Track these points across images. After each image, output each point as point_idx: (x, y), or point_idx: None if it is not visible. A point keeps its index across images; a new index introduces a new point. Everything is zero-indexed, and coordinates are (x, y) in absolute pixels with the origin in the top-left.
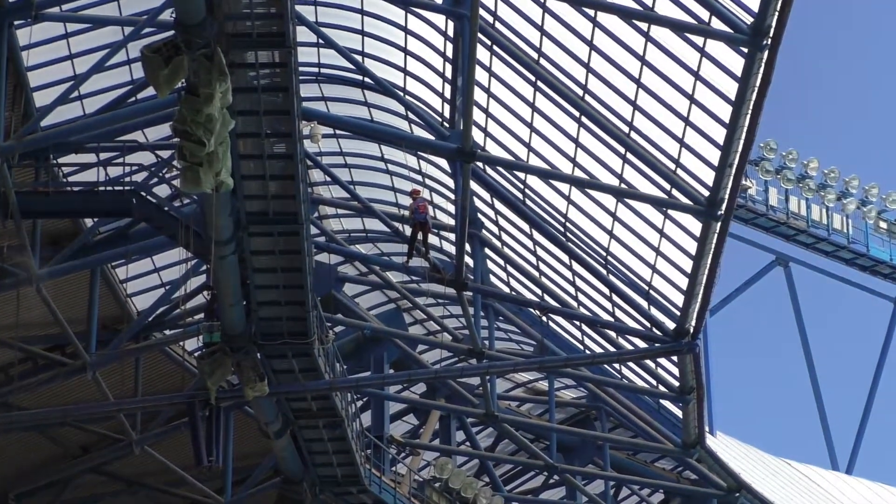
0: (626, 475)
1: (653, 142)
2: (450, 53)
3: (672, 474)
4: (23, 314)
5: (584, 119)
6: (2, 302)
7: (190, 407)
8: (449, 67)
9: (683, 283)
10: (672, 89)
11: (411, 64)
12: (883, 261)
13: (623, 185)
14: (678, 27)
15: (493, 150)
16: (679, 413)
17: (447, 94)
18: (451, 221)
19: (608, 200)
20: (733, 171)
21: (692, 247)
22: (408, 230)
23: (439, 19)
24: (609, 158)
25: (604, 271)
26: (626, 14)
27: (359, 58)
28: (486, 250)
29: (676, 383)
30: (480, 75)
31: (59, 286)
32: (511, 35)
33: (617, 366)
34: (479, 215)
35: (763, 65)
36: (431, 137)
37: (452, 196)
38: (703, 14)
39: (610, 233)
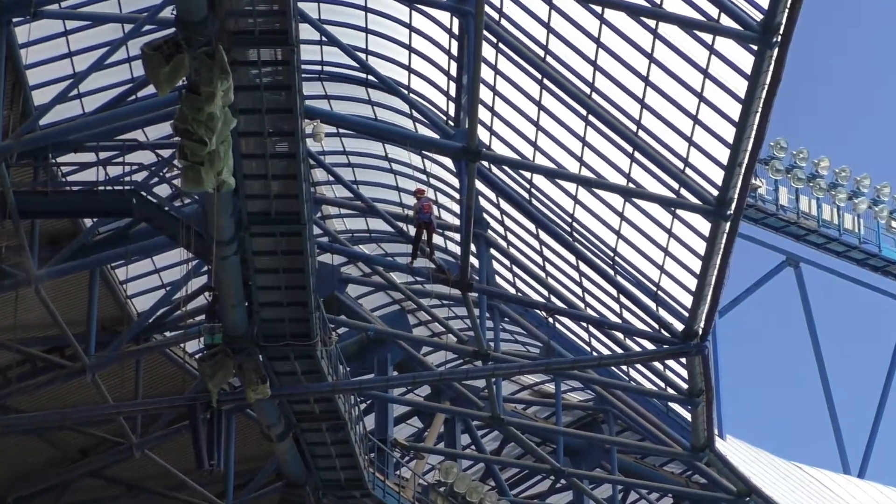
0: (634, 479)
1: (661, 140)
2: (455, 51)
3: (681, 478)
4: (21, 315)
5: (591, 117)
6: (0, 303)
7: (191, 410)
8: (454, 65)
9: (692, 283)
10: (681, 87)
11: (416, 62)
12: (895, 261)
13: (631, 185)
14: (687, 24)
15: (499, 149)
16: (688, 416)
17: (452, 93)
18: (456, 221)
19: (616, 200)
20: (743, 170)
21: (701, 247)
22: (412, 230)
23: (444, 16)
24: (617, 157)
25: (611, 272)
26: (633, 11)
27: (363, 55)
28: (492, 251)
29: (685, 385)
30: (486, 73)
31: (58, 287)
32: (517, 32)
33: (625, 368)
34: (485, 215)
35: (773, 62)
36: (436, 136)
37: (457, 196)
38: (713, 11)
39: (617, 233)
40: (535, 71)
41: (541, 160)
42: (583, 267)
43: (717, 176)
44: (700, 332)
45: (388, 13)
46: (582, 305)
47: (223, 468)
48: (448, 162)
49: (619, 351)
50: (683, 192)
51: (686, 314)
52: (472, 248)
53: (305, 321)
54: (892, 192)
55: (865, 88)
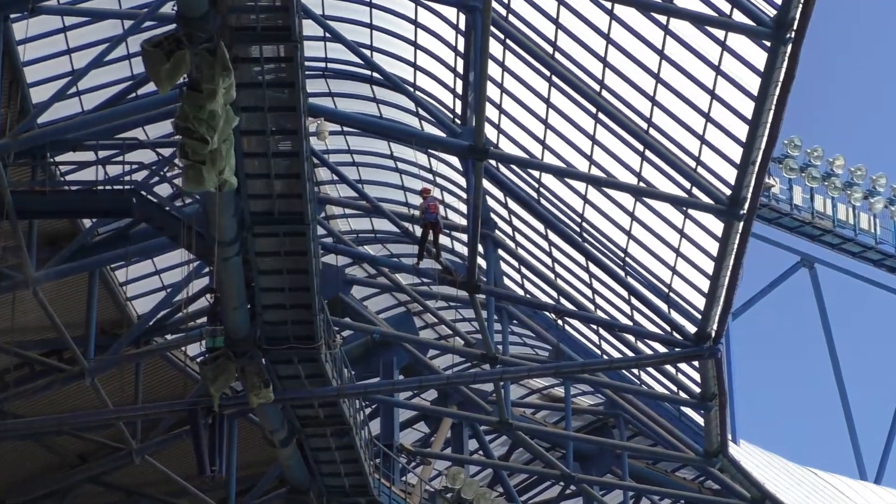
0: (646, 485)
1: (672, 139)
2: (461, 48)
3: (693, 484)
4: (19, 318)
5: (600, 115)
6: None
7: (192, 414)
8: (461, 62)
9: (705, 285)
10: (692, 84)
11: (421, 58)
12: None
13: (642, 184)
14: (698, 20)
15: (507, 147)
16: (700, 420)
17: (459, 90)
18: (463, 221)
19: (626, 200)
20: (756, 168)
21: (714, 248)
22: (418, 231)
23: (450, 12)
24: (627, 156)
25: (622, 273)
26: (644, 6)
27: (367, 52)
28: (500, 251)
29: (698, 389)
30: (493, 70)
31: (57, 289)
32: (525, 28)
33: (636, 371)
34: (492, 215)
35: (787, 59)
36: (442, 134)
37: (464, 195)
38: (725, 7)
39: (628, 233)
40: (543, 68)
41: (550, 159)
42: (593, 268)
43: (730, 175)
44: (713, 334)
45: (394, 9)
46: (592, 307)
47: (225, 474)
48: (455, 161)
49: (630, 354)
50: (695, 191)
51: (698, 316)
52: (480, 248)
53: (309, 323)
54: None
55: (881, 85)
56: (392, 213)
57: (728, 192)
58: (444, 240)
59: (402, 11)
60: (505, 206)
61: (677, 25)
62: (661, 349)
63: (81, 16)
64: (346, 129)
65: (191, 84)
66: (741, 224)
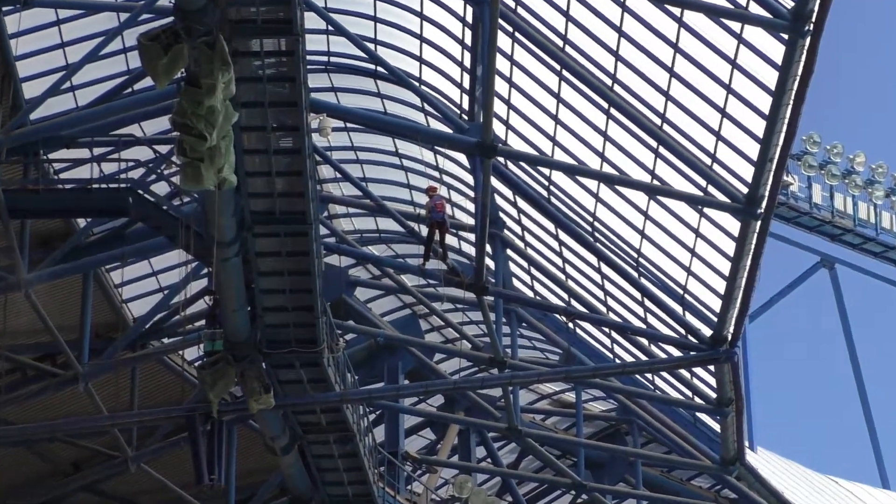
0: (660, 494)
1: (687, 135)
2: (469, 41)
3: (710, 493)
4: (10, 321)
5: (613, 111)
6: None
7: (190, 421)
8: (468, 56)
9: (721, 286)
10: (707, 79)
11: (427, 52)
12: None
13: (655, 182)
14: (714, 12)
15: (516, 144)
16: (717, 427)
17: (466, 85)
18: (471, 221)
19: (639, 198)
20: (774, 166)
21: (730, 248)
22: (424, 230)
23: (457, 4)
24: (640, 153)
25: (635, 274)
26: None
27: (371, 46)
28: (508, 252)
29: (714, 395)
30: (502, 64)
31: (50, 291)
32: (534, 21)
33: (649, 376)
34: (501, 214)
35: (805, 52)
36: (449, 131)
37: (472, 193)
38: None
39: (641, 233)
40: (553, 62)
41: (560, 156)
42: (605, 269)
43: (747, 172)
44: (729, 337)
45: (399, 1)
46: (604, 310)
47: (224, 483)
48: (462, 158)
49: (644, 358)
50: (711, 189)
51: (714, 319)
52: (488, 248)
53: (311, 326)
54: None
55: None
56: (397, 213)
57: (745, 190)
58: (450, 240)
59: (407, 3)
60: (514, 204)
61: (692, 17)
62: (676, 353)
63: (76, 8)
64: (349, 125)
65: (189, 79)
66: (758, 223)
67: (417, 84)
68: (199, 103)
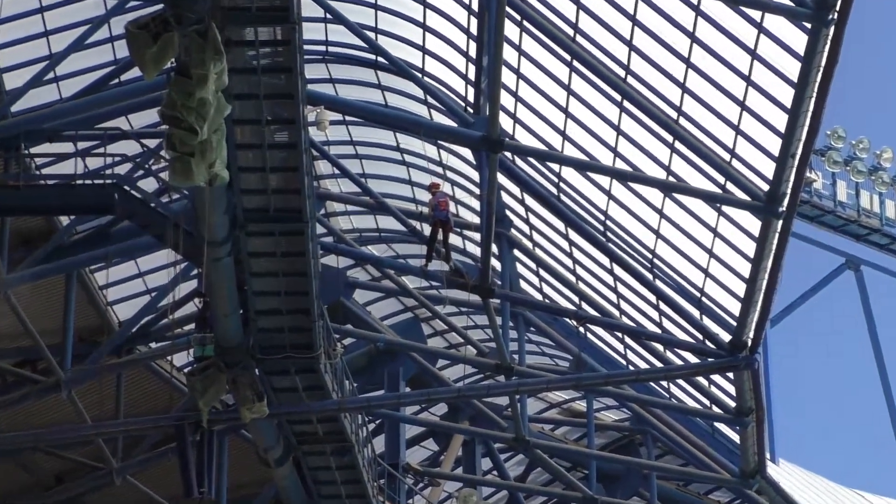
0: None
1: (705, 129)
2: (474, 30)
3: None
4: None
5: (626, 103)
6: None
7: (178, 431)
8: (473, 45)
9: (741, 289)
10: (726, 70)
11: (431, 41)
12: None
13: (671, 179)
14: (733, 0)
15: (524, 138)
16: (736, 438)
17: (471, 76)
18: (476, 219)
19: (654, 196)
20: (796, 162)
21: (750, 248)
22: (427, 229)
23: None
24: (655, 148)
25: (649, 276)
26: None
27: (371, 34)
28: (516, 252)
29: (733, 404)
30: (509, 54)
31: (31, 293)
32: (543, 9)
33: (665, 384)
34: (508, 212)
35: (829, 42)
36: (454, 124)
37: (477, 190)
38: None
39: (656, 232)
40: (563, 52)
41: (570, 151)
42: (618, 270)
43: (768, 169)
44: (749, 343)
45: None
46: (617, 313)
47: (214, 496)
48: (467, 153)
49: (659, 365)
50: (730, 186)
51: (734, 323)
52: (494, 249)
53: (308, 331)
54: None
55: None
56: (398, 211)
57: (766, 187)
58: (454, 239)
59: None
60: (521, 202)
61: (709, 5)
62: (693, 359)
63: None
64: (348, 118)
65: (179, 69)
66: (780, 222)
67: (420, 75)
68: (190, 95)
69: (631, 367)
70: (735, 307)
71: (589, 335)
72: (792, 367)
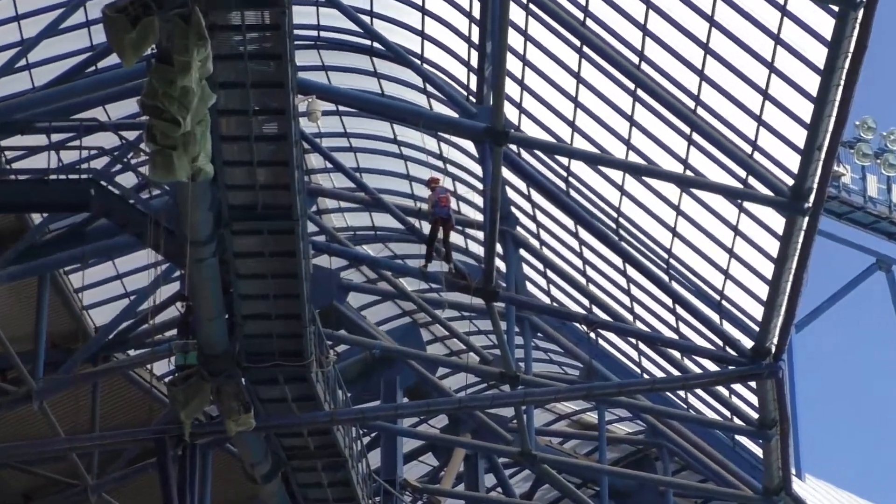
0: None
1: (724, 120)
2: (477, 13)
3: None
4: None
5: (640, 92)
6: None
7: (159, 445)
8: (476, 30)
9: (763, 291)
10: (748, 56)
11: (430, 26)
12: None
13: (688, 173)
14: None
15: (530, 130)
16: (759, 452)
17: (474, 63)
18: (479, 217)
19: (671, 191)
20: (823, 154)
21: (774, 247)
22: (426, 227)
23: None
24: (671, 140)
25: (665, 278)
26: None
27: (367, 19)
28: (522, 252)
29: (755, 415)
30: (514, 39)
31: (0, 296)
32: None
33: (682, 393)
34: (513, 209)
35: (858, 26)
36: (455, 115)
37: (480, 186)
38: None
39: (673, 230)
40: (573, 37)
41: (580, 143)
42: (631, 271)
43: (793, 162)
44: (773, 350)
45: None
46: (630, 318)
47: None
48: (469, 146)
49: (676, 373)
50: (752, 181)
51: (756, 328)
52: (498, 248)
53: (298, 337)
54: None
55: None
56: (395, 207)
57: (790, 182)
58: (456, 238)
59: None
60: (528, 198)
61: None
62: (712, 367)
63: None
64: (341, 108)
65: (160, 56)
66: (806, 220)
67: (419, 62)
68: (172, 83)
69: (645, 376)
70: (757, 311)
71: (600, 341)
72: (819, 374)
